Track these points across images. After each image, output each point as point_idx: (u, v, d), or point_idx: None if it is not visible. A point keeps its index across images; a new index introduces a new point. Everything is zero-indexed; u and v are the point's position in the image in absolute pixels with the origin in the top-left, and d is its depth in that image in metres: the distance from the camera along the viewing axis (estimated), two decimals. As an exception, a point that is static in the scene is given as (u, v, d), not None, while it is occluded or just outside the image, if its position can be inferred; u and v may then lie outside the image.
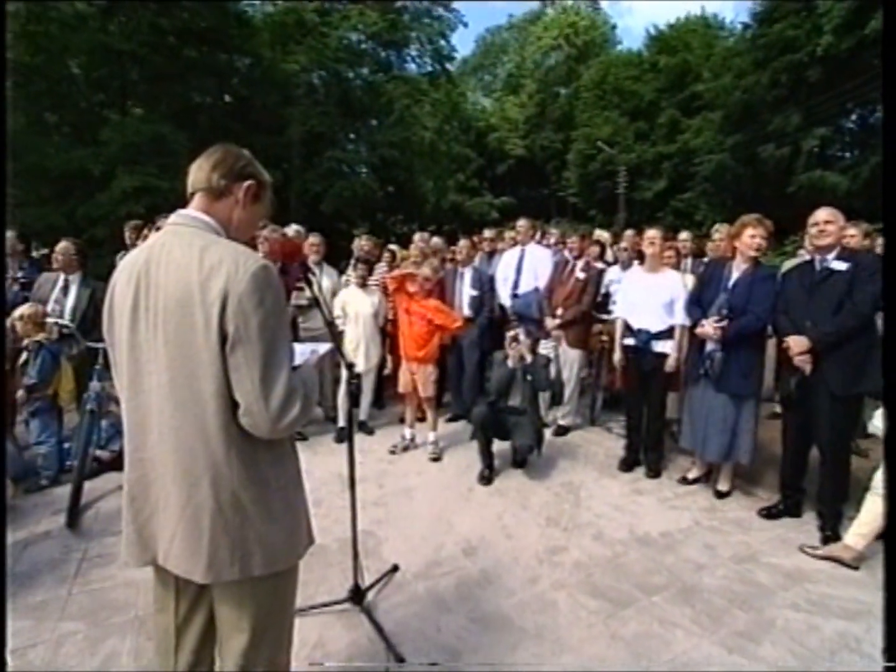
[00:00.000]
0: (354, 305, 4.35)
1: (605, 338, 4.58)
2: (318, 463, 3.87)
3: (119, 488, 3.30)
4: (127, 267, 1.22)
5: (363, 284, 4.41)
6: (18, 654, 2.03)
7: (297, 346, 1.51)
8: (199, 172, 1.25)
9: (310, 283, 1.77)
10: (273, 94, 16.87)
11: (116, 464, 3.61)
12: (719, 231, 4.73)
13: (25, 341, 3.22)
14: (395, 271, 4.34)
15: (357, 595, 2.21)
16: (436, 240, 5.93)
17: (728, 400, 3.18)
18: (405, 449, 4.19)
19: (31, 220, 11.43)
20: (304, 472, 1.37)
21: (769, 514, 3.12)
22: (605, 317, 4.52)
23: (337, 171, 18.24)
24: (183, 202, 1.27)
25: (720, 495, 3.40)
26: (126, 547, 1.26)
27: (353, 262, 4.83)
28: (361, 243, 5.24)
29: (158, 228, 4.53)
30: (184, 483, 1.17)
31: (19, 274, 4.59)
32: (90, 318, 3.79)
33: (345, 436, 4.48)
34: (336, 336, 4.41)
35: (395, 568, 2.56)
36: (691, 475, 3.59)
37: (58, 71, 12.92)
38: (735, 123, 21.58)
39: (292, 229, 5.41)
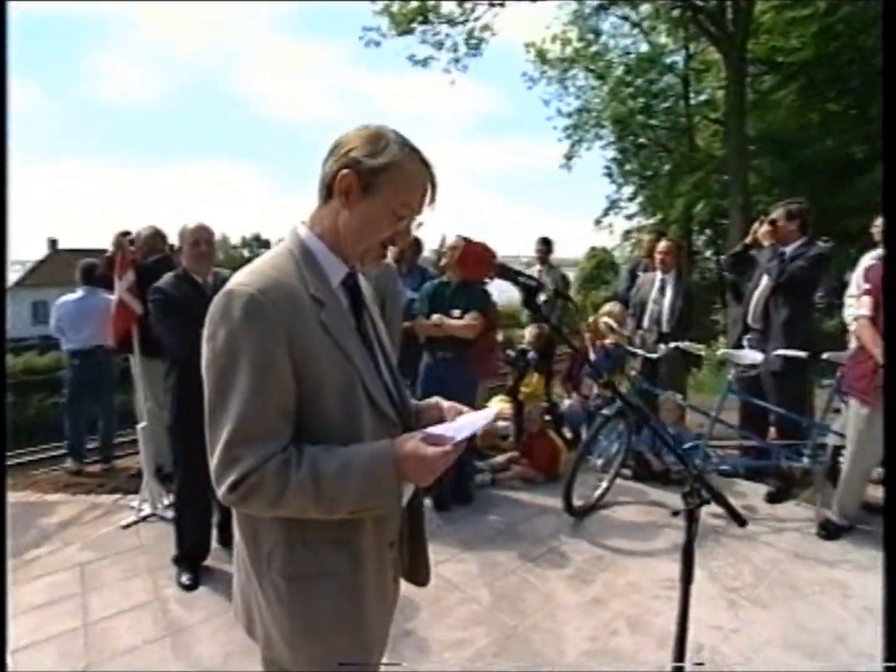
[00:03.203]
0: None
1: None
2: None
3: (644, 503, 3.24)
4: None
5: None
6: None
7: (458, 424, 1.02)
8: None
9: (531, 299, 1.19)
10: None
11: (661, 477, 3.57)
12: None
13: (600, 341, 3.54)
14: None
15: None
16: None
17: None
18: None
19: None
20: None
21: None
22: None
23: None
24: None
25: None
26: None
27: None
28: None
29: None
30: None
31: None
32: (686, 317, 3.79)
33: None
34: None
35: None
36: None
37: (843, 59, 12.13)
38: None
39: None
